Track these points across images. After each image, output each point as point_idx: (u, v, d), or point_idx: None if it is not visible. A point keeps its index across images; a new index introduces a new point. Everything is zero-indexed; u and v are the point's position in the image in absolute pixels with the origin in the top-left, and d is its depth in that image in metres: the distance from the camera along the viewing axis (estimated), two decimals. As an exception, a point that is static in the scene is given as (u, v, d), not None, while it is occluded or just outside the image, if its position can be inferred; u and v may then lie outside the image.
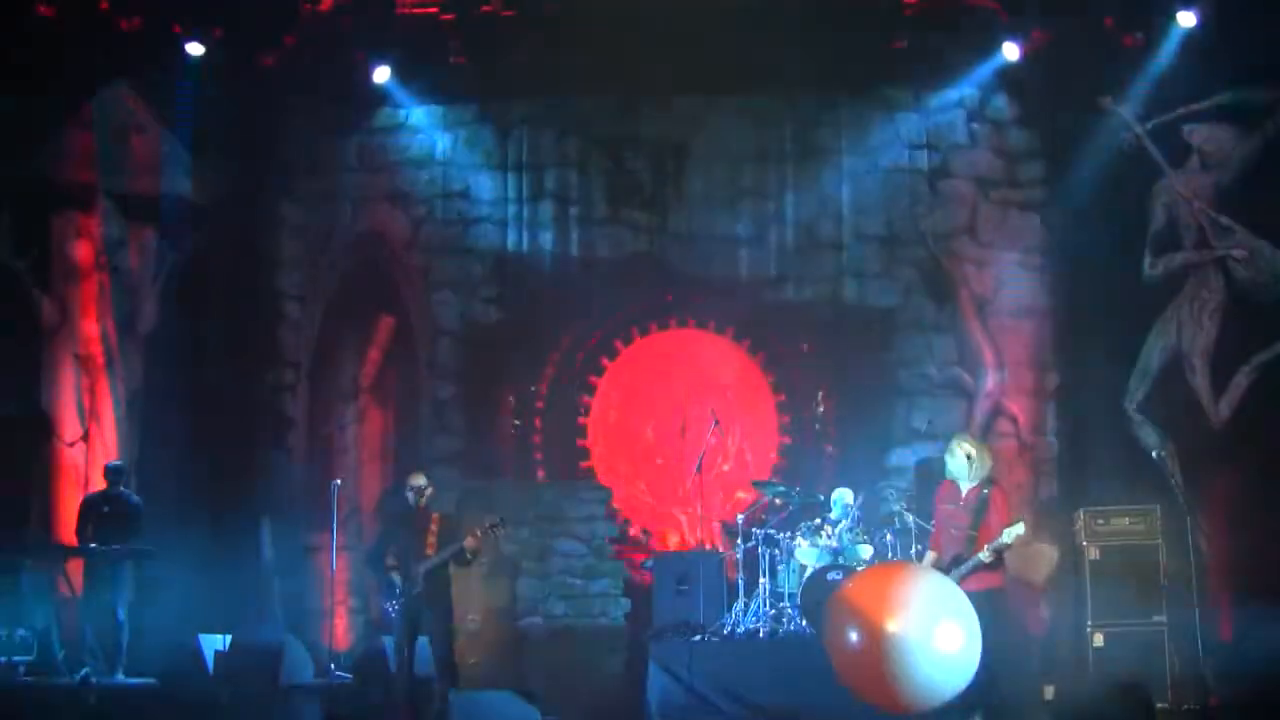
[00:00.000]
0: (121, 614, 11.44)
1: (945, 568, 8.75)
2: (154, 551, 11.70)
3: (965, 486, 8.97)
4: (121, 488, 11.86)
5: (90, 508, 11.79)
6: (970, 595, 8.37)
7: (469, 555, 10.00)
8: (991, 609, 8.53)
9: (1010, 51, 12.73)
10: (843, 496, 11.85)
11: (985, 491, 8.86)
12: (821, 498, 11.99)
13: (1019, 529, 8.58)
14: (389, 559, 10.03)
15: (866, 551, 11.52)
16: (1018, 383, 13.22)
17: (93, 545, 11.49)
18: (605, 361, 13.90)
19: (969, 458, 8.95)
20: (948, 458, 9.06)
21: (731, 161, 13.69)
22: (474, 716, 9.68)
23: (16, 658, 11.32)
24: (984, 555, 8.61)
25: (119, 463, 12.10)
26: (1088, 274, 12.92)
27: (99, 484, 12.09)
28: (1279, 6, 11.75)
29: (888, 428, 13.33)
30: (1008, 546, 8.63)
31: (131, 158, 13.24)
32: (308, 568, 13.12)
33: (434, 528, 9.99)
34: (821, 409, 13.45)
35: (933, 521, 9.33)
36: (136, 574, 11.78)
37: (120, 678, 11.21)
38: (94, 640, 11.36)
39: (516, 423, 13.71)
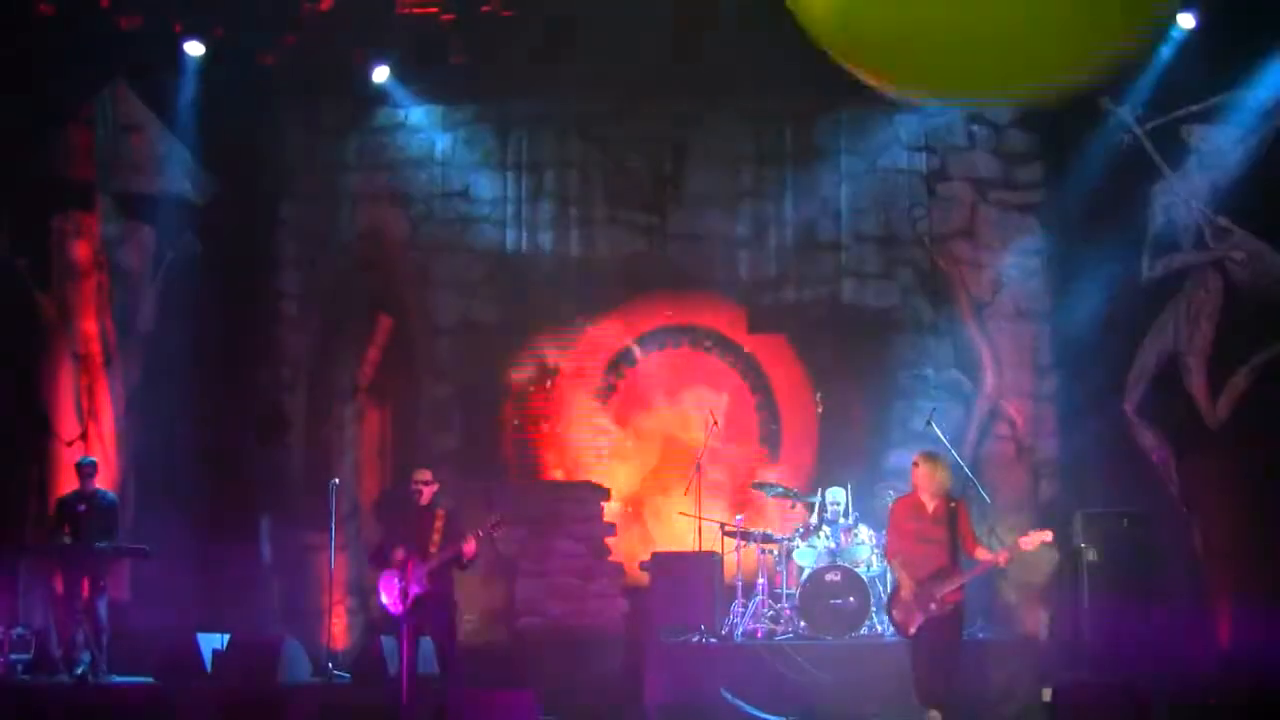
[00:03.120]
0: (102, 612, 11.41)
1: (927, 581, 9.16)
2: (151, 550, 11.71)
3: (930, 502, 9.35)
4: (95, 485, 11.80)
5: (65, 507, 11.73)
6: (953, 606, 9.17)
7: (466, 561, 9.99)
8: (961, 620, 9.36)
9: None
10: (834, 495, 11.86)
11: (952, 505, 9.34)
12: (818, 498, 12.00)
13: (1046, 536, 9.23)
14: (392, 557, 10.01)
15: (864, 552, 11.54)
16: (1016, 384, 13.22)
17: (69, 543, 11.45)
18: (605, 361, 13.88)
19: (932, 473, 9.39)
20: (918, 474, 9.48)
21: (730, 162, 13.71)
22: (473, 716, 9.69)
23: (15, 656, 11.32)
24: (1001, 560, 9.24)
25: (91, 458, 12.05)
26: (1086, 276, 12.93)
27: (95, 482, 12.06)
28: (1278, 8, 11.78)
29: (885, 429, 13.33)
30: (1028, 553, 9.35)
31: (131, 156, 13.25)
32: (306, 567, 13.11)
33: (439, 524, 9.97)
34: (820, 410, 13.44)
35: (886, 538, 9.71)
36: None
37: (105, 676, 11.18)
38: (83, 640, 11.34)
39: (516, 423, 13.70)
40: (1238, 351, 12.61)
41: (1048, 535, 9.27)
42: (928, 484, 9.37)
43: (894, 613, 9.43)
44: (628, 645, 12.18)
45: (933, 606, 9.13)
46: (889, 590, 9.88)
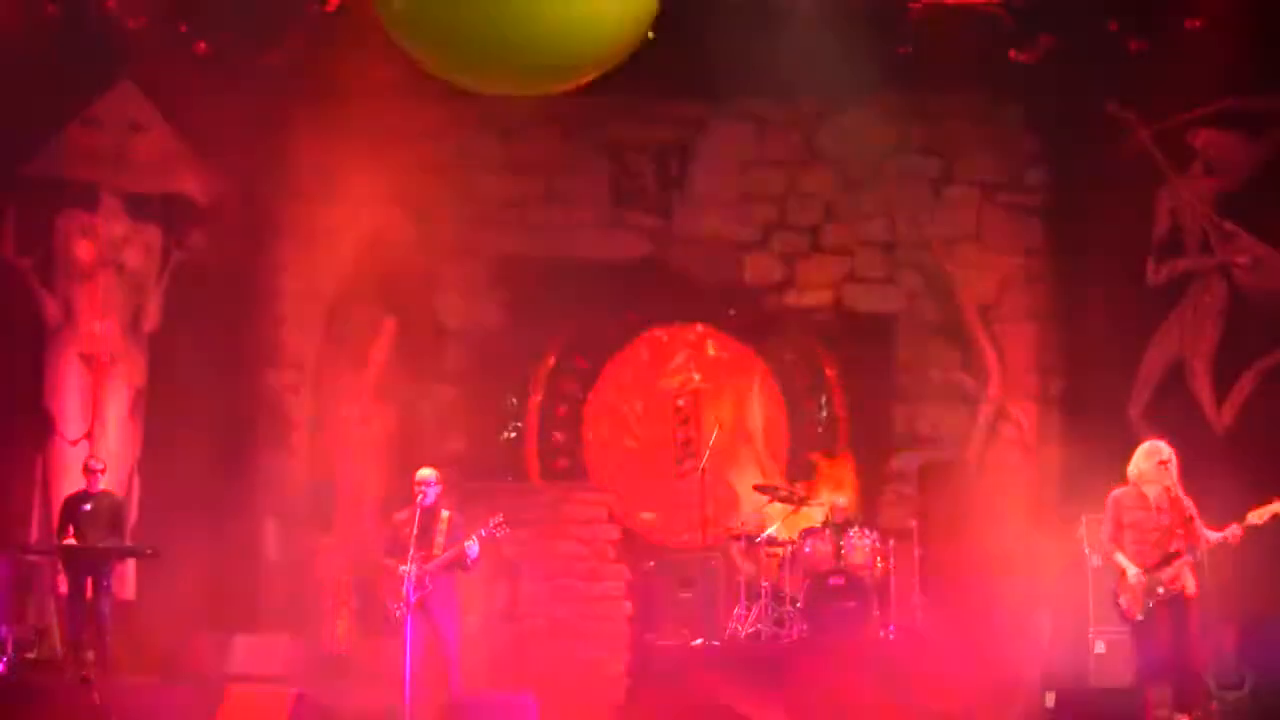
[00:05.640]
0: (106, 612, 11.41)
1: (1154, 568, 9.25)
2: (155, 550, 11.71)
3: (1151, 490, 9.44)
4: (101, 485, 11.79)
5: (70, 507, 11.72)
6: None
7: (469, 562, 9.98)
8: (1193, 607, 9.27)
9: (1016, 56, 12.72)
10: (835, 497, 11.88)
11: (1172, 493, 9.39)
12: (822, 501, 12.02)
13: (1277, 507, 9.22)
14: (396, 559, 10.00)
15: (869, 554, 11.54)
16: (1021, 388, 13.23)
17: (73, 543, 11.45)
18: (608, 364, 13.89)
19: (1152, 463, 9.45)
20: (1140, 464, 9.52)
21: (736, 165, 13.71)
22: (475, 718, 9.69)
23: (18, 656, 11.34)
24: (1233, 530, 9.20)
25: (98, 459, 12.04)
26: (1091, 279, 12.93)
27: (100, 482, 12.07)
28: (1284, 12, 11.79)
29: (890, 432, 13.34)
30: (1257, 526, 9.25)
31: (136, 156, 13.26)
32: (310, 568, 13.12)
33: (443, 526, 9.96)
34: (825, 414, 13.45)
35: (1105, 530, 9.60)
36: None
37: (109, 676, 11.19)
38: (86, 639, 11.35)
39: (518, 425, 13.69)
40: (1242, 356, 12.61)
41: (1278, 505, 9.30)
42: (1150, 474, 9.47)
43: (1121, 599, 9.48)
44: (631, 648, 12.19)
45: (1160, 591, 9.25)
46: (1116, 576, 9.80)
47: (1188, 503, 9.43)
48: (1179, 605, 9.29)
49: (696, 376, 13.68)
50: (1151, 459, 9.49)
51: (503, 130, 13.77)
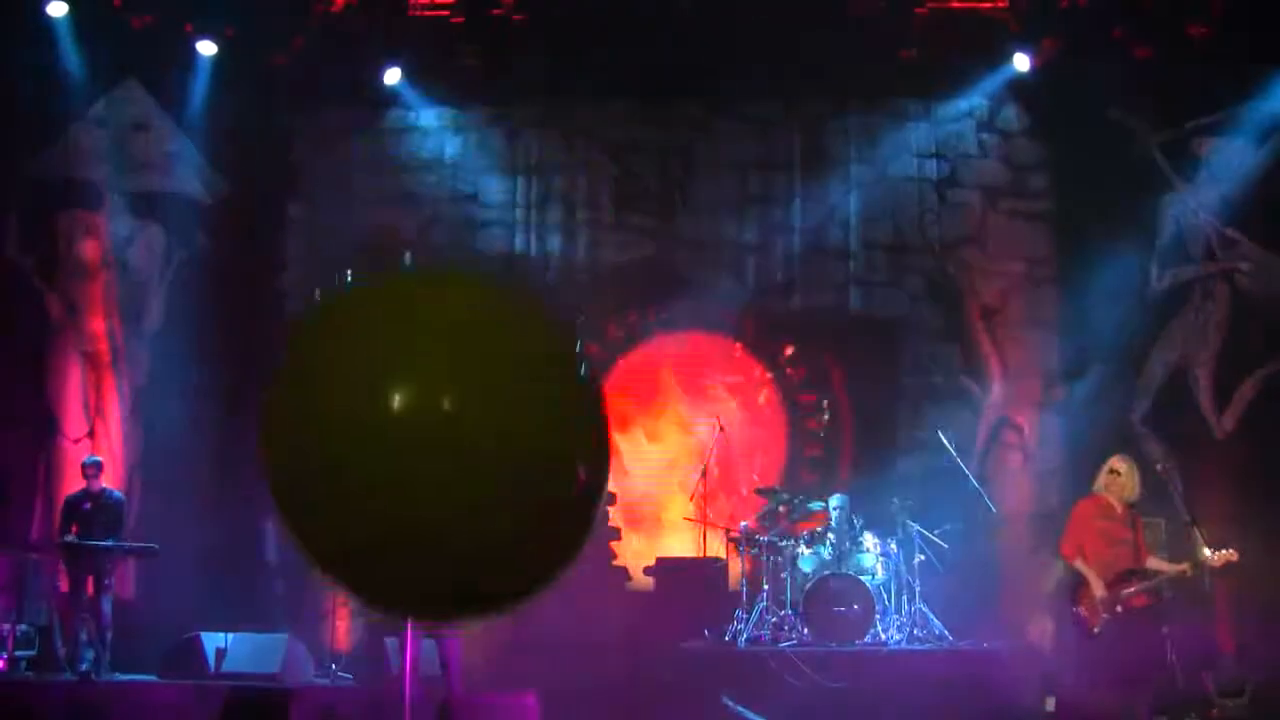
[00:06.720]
0: (107, 610, 11.40)
1: (1115, 583, 9.15)
2: (156, 549, 11.71)
3: (1119, 505, 9.38)
4: (102, 483, 11.78)
5: (72, 507, 11.71)
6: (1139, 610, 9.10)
7: None
8: (1154, 623, 9.19)
9: (1020, 62, 12.78)
10: (839, 503, 11.85)
11: (1134, 511, 9.41)
12: (822, 505, 12.00)
13: (1233, 556, 9.07)
14: None
15: (868, 560, 11.52)
16: (1024, 393, 13.21)
17: (74, 541, 11.43)
18: (610, 365, 13.86)
19: (1130, 476, 9.38)
20: (1106, 475, 9.43)
21: (739, 168, 13.71)
22: (475, 718, 9.68)
23: (19, 653, 11.33)
24: (1187, 570, 9.10)
25: (96, 457, 12.03)
26: (1094, 285, 12.92)
27: (100, 481, 12.05)
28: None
29: (892, 436, 13.32)
30: (1214, 569, 9.15)
31: (141, 156, 13.28)
32: (310, 568, 13.07)
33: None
34: (827, 417, 13.43)
35: (1065, 537, 9.55)
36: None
37: (109, 674, 11.18)
38: (87, 637, 11.34)
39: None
40: (1245, 362, 12.63)
41: (1234, 555, 9.15)
42: (1122, 487, 9.38)
43: (1080, 609, 9.36)
44: (631, 650, 12.16)
45: (1118, 609, 9.14)
46: (1071, 586, 9.64)
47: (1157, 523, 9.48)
48: (1143, 616, 9.21)
49: (734, 403, 13.60)
50: (1124, 470, 9.46)
51: (508, 131, 13.77)
